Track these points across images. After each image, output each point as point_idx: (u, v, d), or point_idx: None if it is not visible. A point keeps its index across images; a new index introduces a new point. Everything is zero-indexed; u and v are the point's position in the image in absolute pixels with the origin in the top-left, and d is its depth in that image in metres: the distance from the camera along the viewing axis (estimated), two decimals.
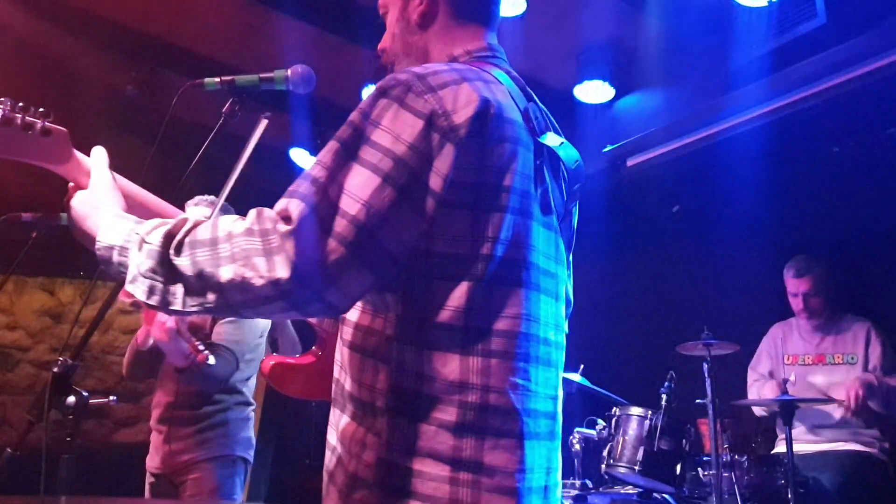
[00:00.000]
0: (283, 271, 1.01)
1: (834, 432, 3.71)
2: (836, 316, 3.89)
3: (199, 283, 1.05)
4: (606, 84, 4.39)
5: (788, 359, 3.93)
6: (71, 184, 1.33)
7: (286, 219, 1.03)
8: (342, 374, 1.21)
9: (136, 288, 1.10)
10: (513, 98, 1.22)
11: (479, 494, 1.07)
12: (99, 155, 1.32)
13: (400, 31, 1.36)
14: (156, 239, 1.09)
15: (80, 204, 1.24)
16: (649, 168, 4.77)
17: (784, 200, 4.26)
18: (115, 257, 1.13)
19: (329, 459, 1.19)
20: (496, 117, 1.13)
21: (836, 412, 3.70)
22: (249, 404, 3.01)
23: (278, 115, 4.76)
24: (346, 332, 1.20)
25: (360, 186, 1.05)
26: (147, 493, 2.90)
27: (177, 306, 1.08)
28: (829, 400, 3.66)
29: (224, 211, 2.92)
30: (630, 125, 4.66)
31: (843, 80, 3.77)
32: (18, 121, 1.27)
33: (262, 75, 1.62)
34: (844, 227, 4.10)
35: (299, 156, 5.31)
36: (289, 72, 1.60)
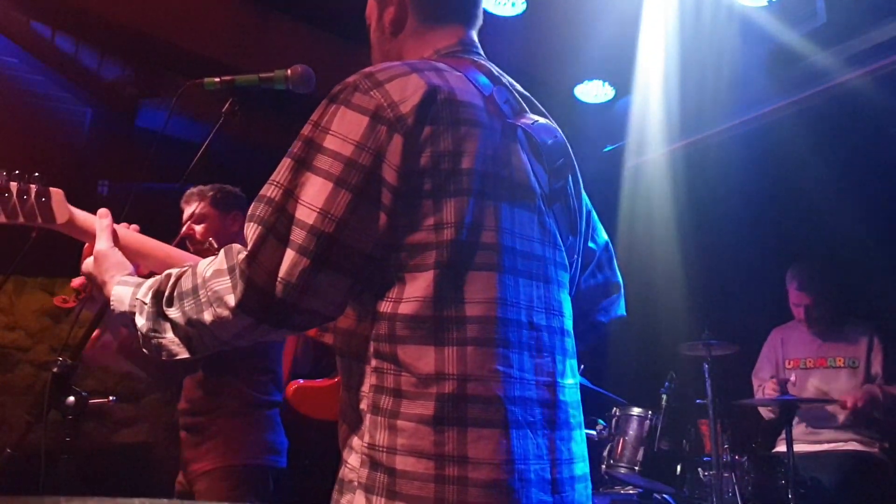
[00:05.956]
0: (245, 296, 1.05)
1: (834, 432, 3.71)
2: (838, 319, 3.87)
3: (194, 330, 1.12)
4: (606, 84, 4.39)
5: (789, 363, 3.92)
6: (85, 246, 1.43)
7: (246, 246, 1.07)
8: (340, 382, 1.22)
9: (148, 349, 1.18)
10: (473, 83, 1.21)
11: (466, 490, 1.04)
12: (102, 220, 1.40)
13: (377, 41, 1.38)
14: (149, 299, 1.17)
15: (91, 276, 1.35)
16: (649, 168, 4.77)
17: (784, 201, 4.26)
18: (130, 322, 1.21)
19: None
20: (447, 102, 1.13)
21: (837, 413, 3.69)
22: (267, 406, 2.75)
23: (278, 115, 4.76)
24: (336, 339, 1.21)
25: (314, 195, 1.07)
26: None
27: (183, 354, 1.15)
28: (830, 400, 3.65)
29: (220, 201, 2.83)
30: (630, 125, 4.65)
31: (843, 80, 3.77)
32: (14, 189, 1.35)
33: (261, 75, 1.62)
34: (845, 228, 4.09)
35: None
36: (288, 71, 1.60)
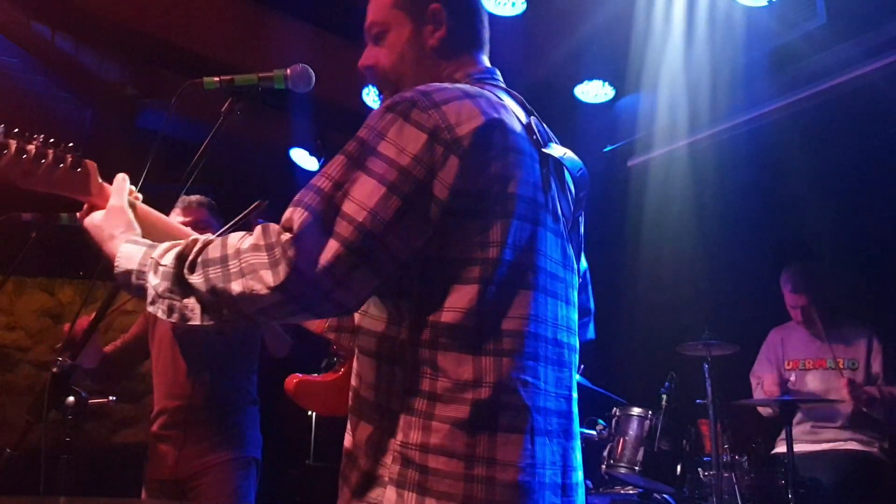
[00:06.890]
0: (287, 277, 1.07)
1: (834, 432, 3.71)
2: (837, 319, 3.87)
3: (214, 298, 1.14)
4: (606, 84, 4.39)
5: (789, 364, 3.91)
6: (85, 206, 1.43)
7: (288, 229, 1.10)
8: (358, 382, 1.26)
9: (157, 308, 1.20)
10: (514, 112, 1.29)
11: (494, 490, 1.11)
12: (120, 182, 1.43)
13: (413, 54, 1.38)
14: (169, 261, 1.19)
15: (96, 228, 1.35)
16: (649, 168, 4.77)
17: (784, 200, 4.26)
18: (134, 280, 1.23)
19: (344, 464, 1.24)
20: (499, 129, 1.20)
21: (836, 413, 3.69)
22: (257, 402, 2.96)
23: (278, 114, 4.76)
24: (363, 341, 1.25)
25: (366, 195, 1.12)
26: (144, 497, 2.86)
27: (195, 321, 1.17)
28: (830, 400, 3.65)
29: (217, 212, 2.90)
30: (630, 125, 4.65)
31: (843, 80, 3.78)
32: (50, 155, 1.36)
33: (261, 74, 1.62)
34: (844, 228, 4.10)
35: (299, 156, 5.31)
36: (288, 71, 1.60)
